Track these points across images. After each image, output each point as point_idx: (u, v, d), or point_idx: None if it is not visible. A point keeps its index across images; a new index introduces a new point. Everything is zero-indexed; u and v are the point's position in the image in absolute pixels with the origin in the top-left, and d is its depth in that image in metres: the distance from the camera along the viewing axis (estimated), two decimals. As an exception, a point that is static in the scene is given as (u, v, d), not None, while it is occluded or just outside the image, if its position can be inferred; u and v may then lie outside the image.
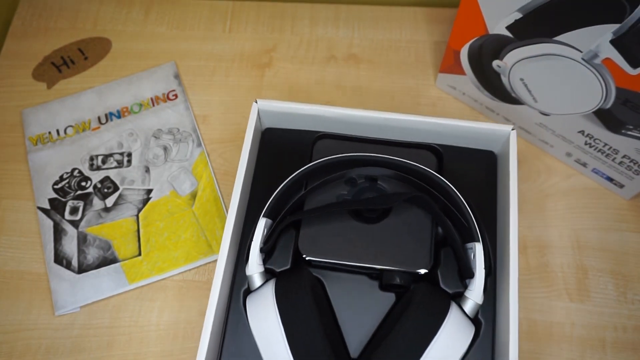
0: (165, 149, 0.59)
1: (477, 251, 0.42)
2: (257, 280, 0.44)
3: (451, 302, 0.41)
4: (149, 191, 0.57)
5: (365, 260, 0.44)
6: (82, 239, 0.55)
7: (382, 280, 0.45)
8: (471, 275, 0.42)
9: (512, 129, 0.47)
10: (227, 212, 0.54)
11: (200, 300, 0.52)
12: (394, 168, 0.47)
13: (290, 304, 0.40)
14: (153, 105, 0.61)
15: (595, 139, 0.52)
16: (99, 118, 0.61)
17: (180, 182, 0.57)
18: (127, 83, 0.63)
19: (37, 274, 0.54)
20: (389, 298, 0.46)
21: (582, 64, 0.46)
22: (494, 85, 0.55)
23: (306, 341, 0.39)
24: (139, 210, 0.56)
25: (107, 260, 0.54)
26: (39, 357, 0.50)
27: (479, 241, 0.43)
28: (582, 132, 0.52)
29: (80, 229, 0.55)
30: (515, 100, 0.55)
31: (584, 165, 0.55)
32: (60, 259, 0.54)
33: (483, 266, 0.42)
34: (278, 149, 0.51)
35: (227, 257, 0.44)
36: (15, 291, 0.53)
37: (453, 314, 0.40)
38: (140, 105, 0.61)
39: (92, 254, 0.54)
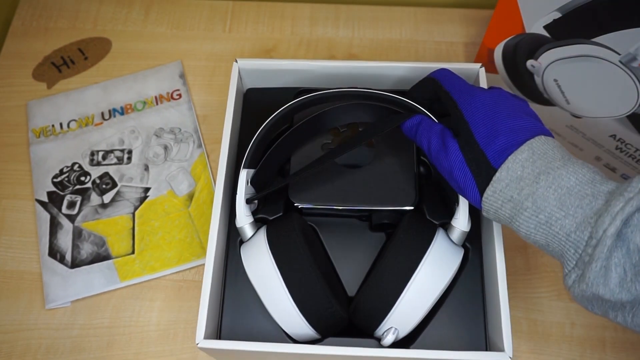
0: (165, 148, 0.59)
1: None
2: (248, 231, 0.45)
3: (437, 227, 0.43)
4: (147, 189, 0.57)
5: (354, 202, 0.46)
6: (77, 234, 0.55)
7: (372, 221, 0.48)
8: (456, 200, 0.43)
9: (481, 67, 0.49)
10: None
11: (199, 300, 0.52)
12: (369, 99, 0.47)
13: (283, 247, 0.42)
14: (157, 103, 0.61)
15: (627, 144, 0.51)
16: (102, 114, 0.61)
17: (178, 182, 0.57)
18: (132, 80, 0.63)
19: (37, 274, 0.54)
20: (380, 238, 0.49)
21: (618, 66, 0.45)
22: (526, 86, 0.55)
23: (302, 281, 0.40)
24: (136, 208, 0.56)
25: (101, 256, 0.54)
26: (39, 357, 0.50)
27: None
28: (613, 136, 0.52)
29: (76, 224, 0.55)
30: (546, 102, 0.54)
31: (613, 170, 0.55)
32: (54, 252, 0.54)
33: None
34: (261, 108, 0.53)
35: (220, 207, 0.45)
36: (15, 291, 0.53)
37: (439, 238, 0.42)
38: (144, 103, 0.61)
39: (86, 249, 0.54)
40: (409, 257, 0.40)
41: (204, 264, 0.54)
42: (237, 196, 0.44)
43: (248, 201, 0.45)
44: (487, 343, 0.45)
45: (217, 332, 0.46)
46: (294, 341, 0.45)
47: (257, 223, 0.46)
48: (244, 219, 0.44)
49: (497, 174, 0.35)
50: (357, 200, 0.46)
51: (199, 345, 0.40)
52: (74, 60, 0.64)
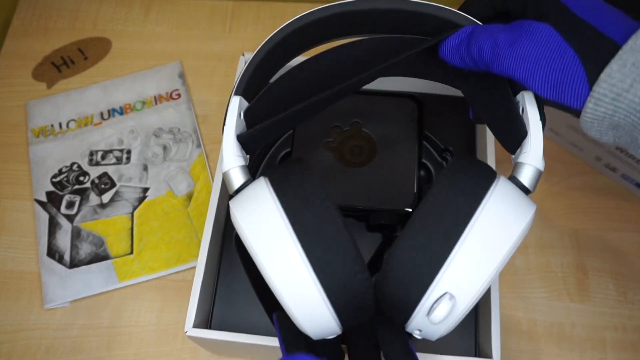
0: (164, 148, 0.59)
1: (527, 100, 0.31)
2: (237, 178, 0.32)
3: (496, 173, 0.30)
4: (146, 189, 0.57)
5: (353, 201, 0.46)
6: (76, 234, 0.55)
7: (370, 220, 0.47)
8: (524, 134, 0.31)
9: None
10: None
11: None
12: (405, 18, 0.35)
13: (297, 196, 0.29)
14: (156, 103, 0.61)
15: None
16: (101, 113, 0.61)
17: (177, 183, 0.57)
18: (132, 80, 0.63)
19: (36, 274, 0.54)
20: (377, 238, 0.49)
21: None
22: None
23: (328, 244, 0.28)
24: (135, 208, 0.56)
25: (99, 256, 0.54)
26: (38, 357, 0.50)
27: (525, 89, 0.32)
28: None
29: (75, 224, 0.55)
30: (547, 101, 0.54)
31: (613, 170, 0.55)
32: (53, 252, 0.54)
33: (538, 117, 0.31)
34: None
35: (218, 197, 0.45)
36: (14, 291, 0.53)
37: (502, 180, 0.30)
38: (143, 103, 0.61)
39: (85, 249, 0.54)
40: (466, 196, 0.28)
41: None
42: (225, 129, 0.33)
43: (240, 138, 0.33)
44: (477, 349, 0.45)
45: (208, 323, 0.46)
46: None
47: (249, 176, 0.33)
48: (233, 159, 0.32)
49: (630, 43, 0.25)
50: (356, 199, 0.46)
51: (187, 334, 0.40)
52: (74, 60, 0.64)
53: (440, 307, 0.27)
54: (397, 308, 0.29)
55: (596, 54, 0.26)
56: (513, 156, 0.33)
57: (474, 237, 0.27)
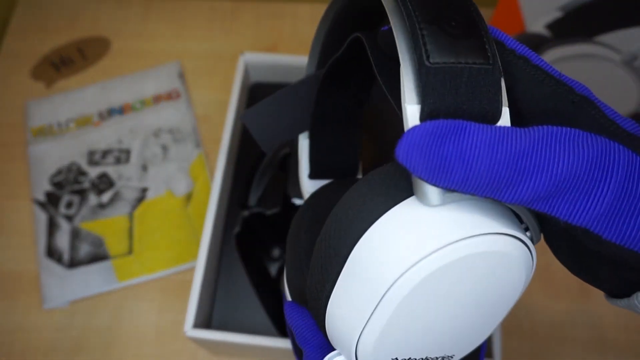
0: (164, 148, 0.58)
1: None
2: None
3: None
4: (145, 189, 0.57)
5: None
6: (75, 234, 0.54)
7: None
8: None
9: None
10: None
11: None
12: None
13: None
14: (155, 103, 0.61)
15: None
16: (100, 113, 0.61)
17: (176, 182, 0.57)
18: (131, 80, 0.63)
19: (36, 274, 0.53)
20: None
21: (620, 66, 0.45)
22: None
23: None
24: (134, 208, 0.56)
25: (98, 256, 0.54)
26: (37, 358, 0.50)
27: None
28: None
29: (74, 224, 0.55)
30: None
31: None
32: (52, 252, 0.54)
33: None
34: None
35: (218, 196, 0.45)
36: (13, 292, 0.53)
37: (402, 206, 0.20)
38: (143, 102, 0.61)
39: (84, 249, 0.54)
40: (357, 216, 0.21)
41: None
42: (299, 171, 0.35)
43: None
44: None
45: (208, 323, 0.46)
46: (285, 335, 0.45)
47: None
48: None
49: None
50: None
51: (187, 334, 0.40)
52: (73, 60, 0.64)
53: None
54: None
55: None
56: None
57: (340, 290, 0.21)
